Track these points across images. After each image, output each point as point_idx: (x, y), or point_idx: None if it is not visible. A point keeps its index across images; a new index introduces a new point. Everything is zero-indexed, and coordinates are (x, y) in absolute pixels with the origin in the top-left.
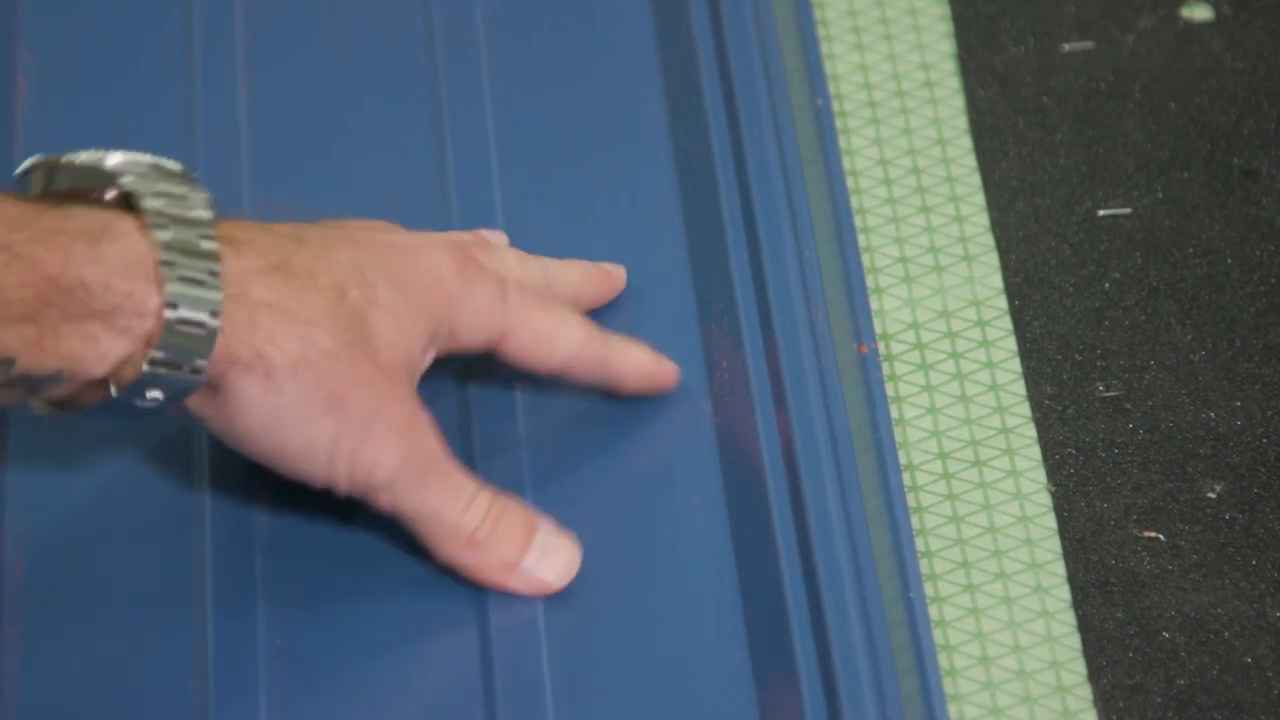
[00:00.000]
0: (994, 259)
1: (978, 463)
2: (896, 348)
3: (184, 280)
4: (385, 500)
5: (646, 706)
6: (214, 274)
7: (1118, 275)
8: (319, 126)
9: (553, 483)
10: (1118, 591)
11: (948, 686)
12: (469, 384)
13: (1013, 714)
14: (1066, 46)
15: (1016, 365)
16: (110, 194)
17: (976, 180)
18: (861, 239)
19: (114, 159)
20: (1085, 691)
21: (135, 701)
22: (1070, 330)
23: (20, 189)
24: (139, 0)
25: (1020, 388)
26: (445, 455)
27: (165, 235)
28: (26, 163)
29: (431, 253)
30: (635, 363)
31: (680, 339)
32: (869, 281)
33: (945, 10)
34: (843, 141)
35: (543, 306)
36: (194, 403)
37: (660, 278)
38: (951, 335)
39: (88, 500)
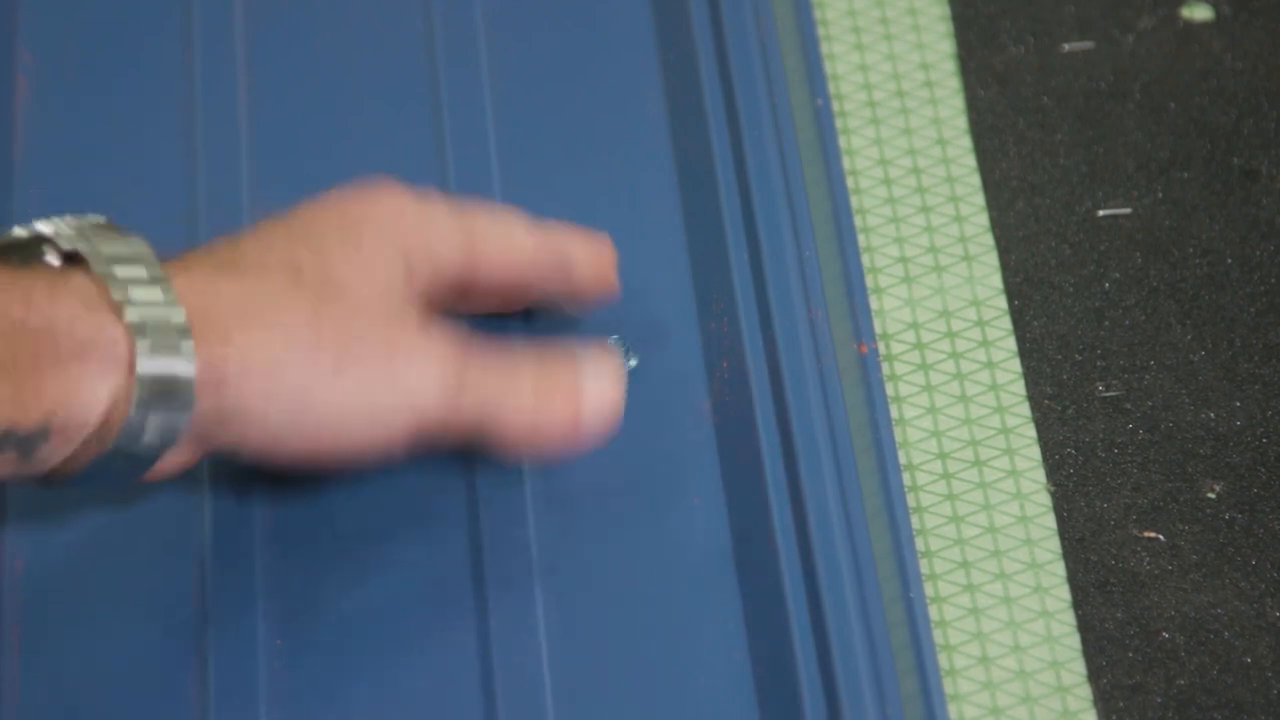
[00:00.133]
0: (994, 259)
1: (978, 463)
2: (896, 348)
3: (142, 304)
4: (451, 424)
5: (646, 706)
6: (168, 292)
7: (1118, 275)
8: (319, 126)
9: (553, 482)
10: (1118, 591)
11: (948, 686)
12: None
13: (1013, 714)
14: (1066, 46)
15: (1016, 365)
16: (50, 256)
17: (976, 180)
18: (861, 239)
19: (46, 226)
20: (1085, 691)
21: (135, 701)
22: (1070, 330)
23: None
24: (139, 0)
25: (1020, 388)
26: (474, 350)
27: (114, 280)
28: None
29: (366, 198)
30: (580, 246)
31: (680, 339)
32: (869, 281)
33: (945, 10)
34: (843, 141)
35: (486, 212)
36: (219, 441)
37: (660, 278)
38: (951, 335)
39: (87, 501)
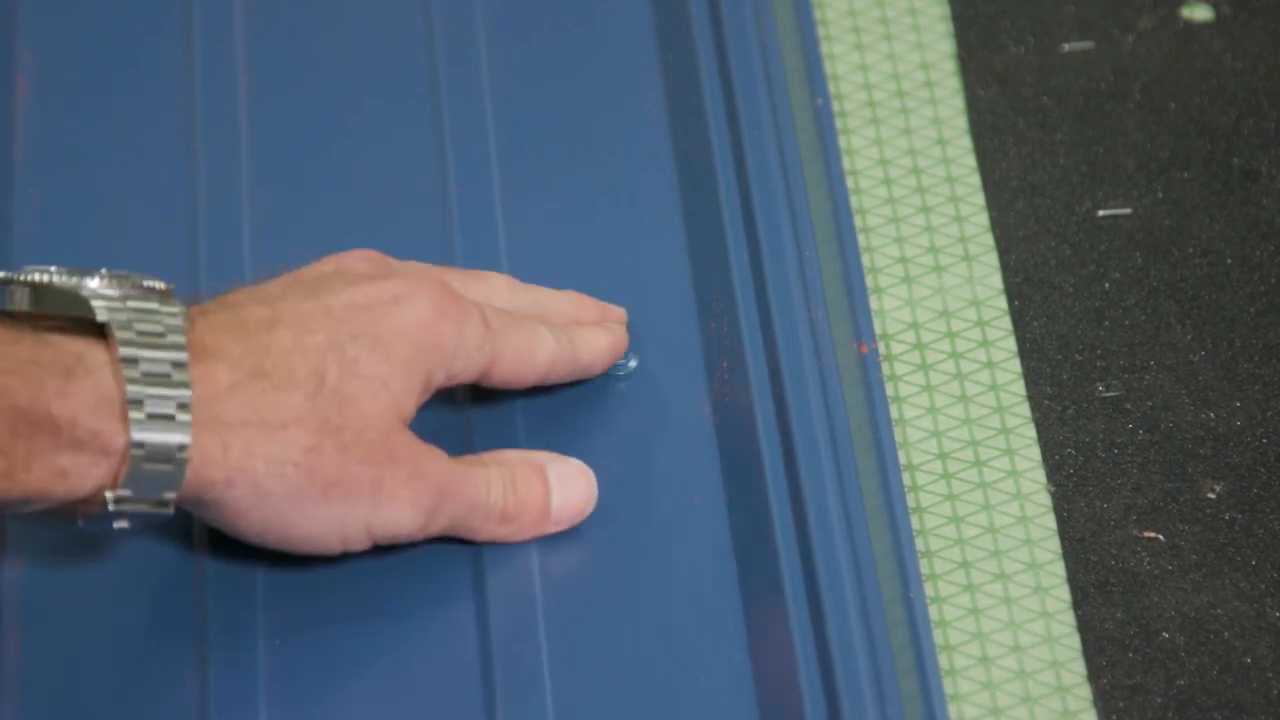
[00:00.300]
0: (994, 259)
1: (978, 463)
2: (896, 348)
3: (152, 418)
4: (417, 539)
5: (646, 706)
6: (184, 406)
7: (1118, 275)
8: (319, 126)
9: None
10: (1118, 592)
11: (948, 686)
12: (468, 386)
13: (1013, 714)
14: (1066, 46)
15: (1016, 365)
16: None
17: (976, 180)
18: (861, 239)
19: (90, 283)
20: (1085, 691)
21: (135, 701)
22: (1070, 330)
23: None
24: (139, 0)
25: (1020, 388)
26: (452, 468)
27: (134, 372)
28: (10, 274)
29: (413, 301)
30: (598, 349)
31: (680, 339)
32: (869, 281)
33: (945, 10)
34: (843, 141)
35: (516, 325)
36: (192, 510)
37: (660, 278)
38: (951, 335)
39: None
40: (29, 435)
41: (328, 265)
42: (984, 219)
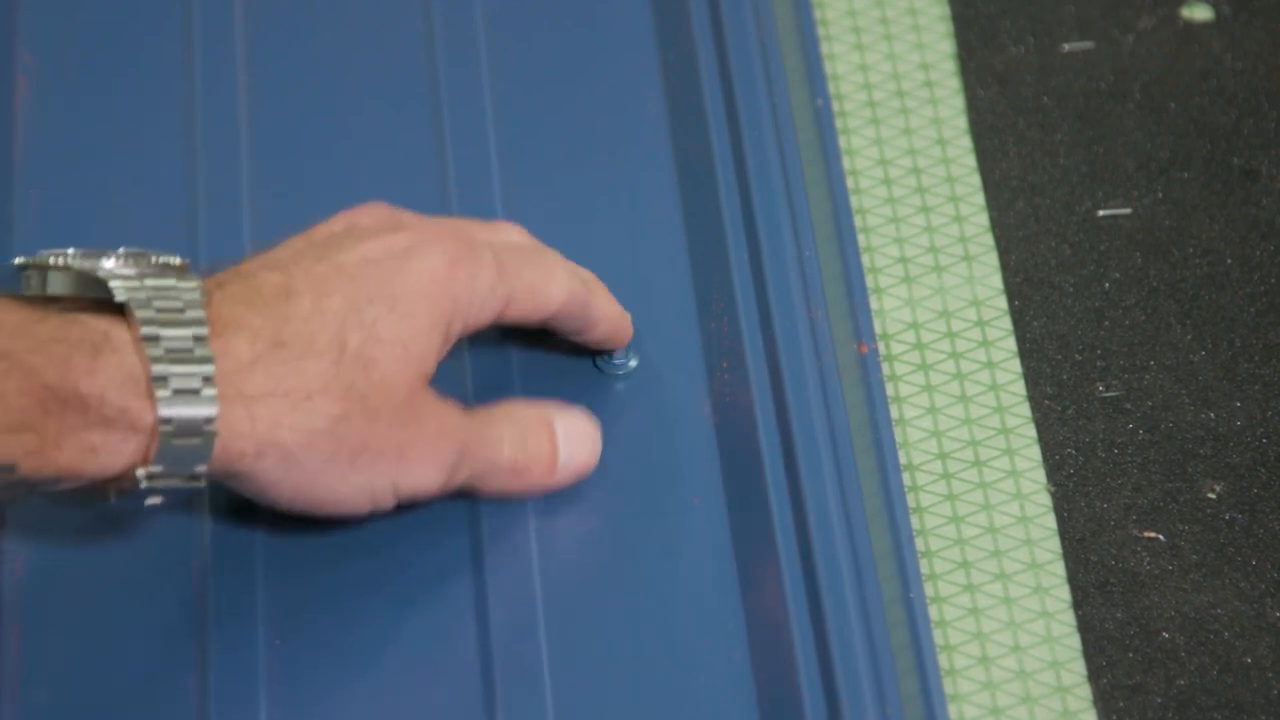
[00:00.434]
0: (994, 259)
1: (978, 463)
2: (896, 348)
3: (178, 394)
4: (436, 495)
5: (646, 706)
6: (208, 379)
7: (1118, 275)
8: (319, 126)
9: None
10: (1118, 592)
11: (948, 686)
12: (469, 385)
13: (1013, 714)
14: (1066, 46)
15: (1016, 365)
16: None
17: (976, 180)
18: (861, 239)
19: (107, 264)
20: (1085, 691)
21: (135, 701)
22: (1070, 330)
23: (15, 282)
24: (139, 0)
25: (1020, 388)
26: (470, 425)
27: (156, 349)
28: (22, 259)
29: (425, 253)
30: (609, 308)
31: (680, 339)
32: (869, 281)
33: (945, 10)
34: (843, 141)
35: (529, 262)
36: (223, 483)
37: (660, 278)
38: (951, 335)
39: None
40: (59, 413)
41: (338, 223)
42: (984, 219)
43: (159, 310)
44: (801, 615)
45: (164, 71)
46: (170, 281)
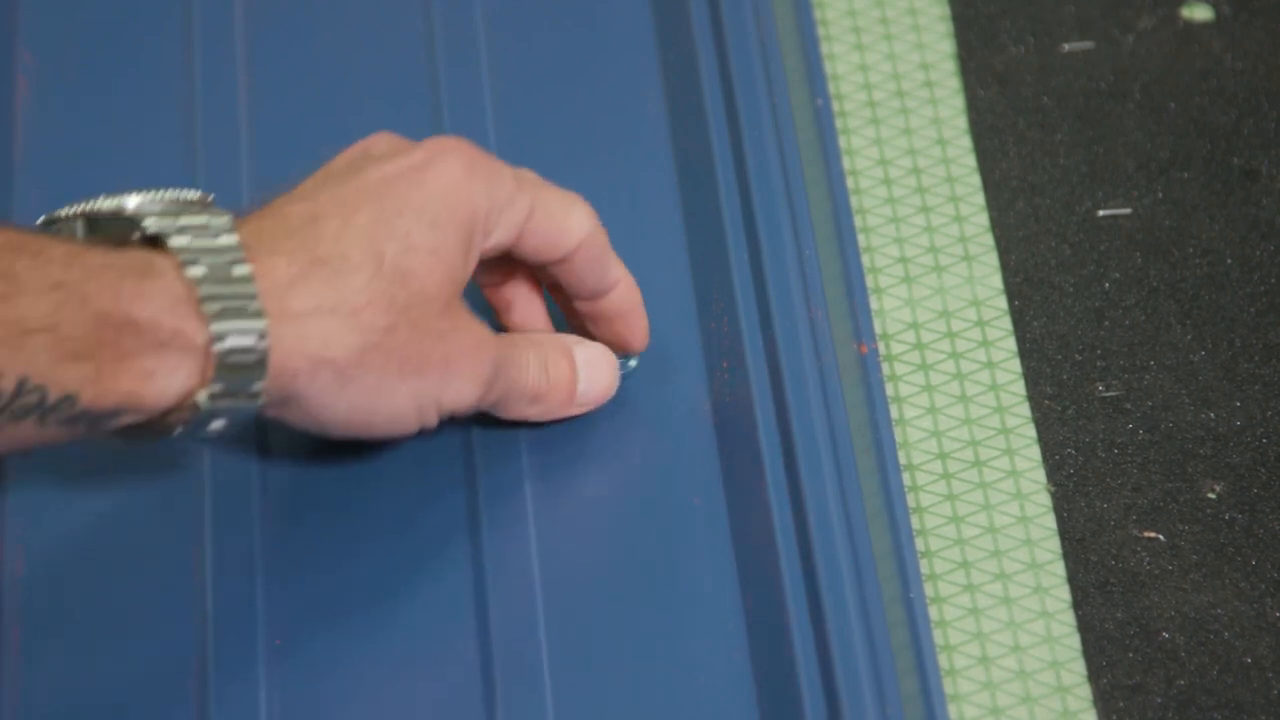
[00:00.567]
0: (994, 259)
1: (978, 463)
2: (896, 348)
3: (226, 312)
4: (467, 413)
5: (646, 706)
6: (252, 297)
7: (1118, 275)
8: (319, 126)
9: (553, 482)
10: (1118, 591)
11: (948, 686)
12: None
13: (1013, 714)
14: (1066, 46)
15: (1016, 365)
16: (137, 235)
17: (976, 180)
18: (861, 239)
19: (133, 201)
20: (1085, 691)
21: (135, 701)
22: (1070, 330)
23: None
24: (139, 0)
25: (1020, 388)
26: (503, 343)
27: (198, 271)
28: (52, 213)
29: (443, 163)
30: (625, 277)
31: (680, 339)
32: (869, 281)
33: (945, 10)
34: (843, 141)
35: (551, 190)
36: (271, 411)
37: (660, 278)
38: (951, 335)
39: (87, 501)
40: (114, 340)
41: (353, 151)
42: (984, 219)
43: (194, 239)
44: (801, 615)
45: (164, 71)
46: (198, 213)
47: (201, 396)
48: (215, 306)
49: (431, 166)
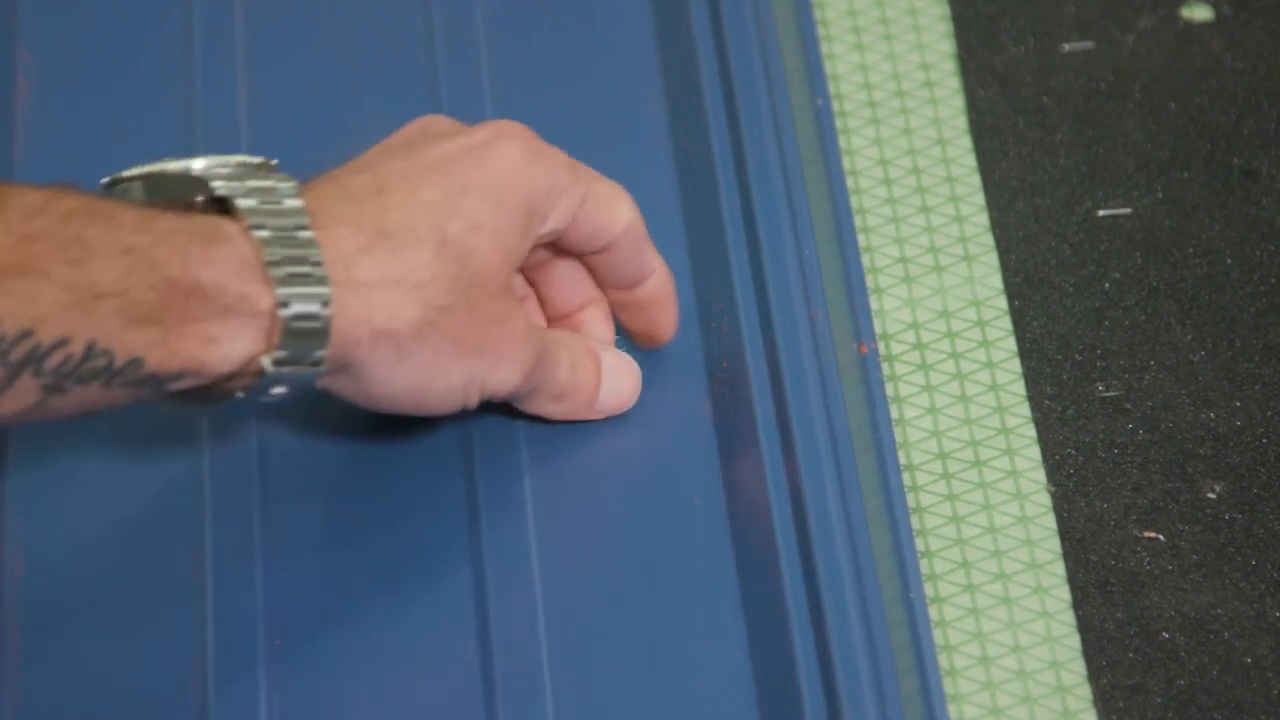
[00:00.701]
0: (994, 259)
1: (978, 463)
2: (896, 348)
3: (292, 278)
4: (504, 400)
5: (646, 706)
6: (317, 264)
7: (1118, 275)
8: (319, 126)
9: (553, 482)
10: (1118, 592)
11: (948, 686)
12: None
13: (1013, 714)
14: (1066, 46)
15: (1016, 365)
16: (202, 198)
17: (976, 180)
18: (861, 239)
19: (199, 164)
20: (1085, 691)
21: (135, 701)
22: (1070, 330)
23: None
24: (139, 0)
25: (1020, 388)
26: (544, 335)
27: (265, 234)
28: (117, 175)
29: (504, 145)
30: (662, 267)
31: (680, 339)
32: (869, 281)
33: (945, 10)
34: (843, 141)
35: (600, 178)
36: (325, 382)
37: None
38: (951, 335)
39: (87, 501)
40: (181, 304)
41: (411, 129)
42: (984, 219)
43: (262, 202)
44: (801, 615)
45: (164, 71)
46: (264, 176)
47: (266, 362)
48: (281, 271)
49: (493, 146)
